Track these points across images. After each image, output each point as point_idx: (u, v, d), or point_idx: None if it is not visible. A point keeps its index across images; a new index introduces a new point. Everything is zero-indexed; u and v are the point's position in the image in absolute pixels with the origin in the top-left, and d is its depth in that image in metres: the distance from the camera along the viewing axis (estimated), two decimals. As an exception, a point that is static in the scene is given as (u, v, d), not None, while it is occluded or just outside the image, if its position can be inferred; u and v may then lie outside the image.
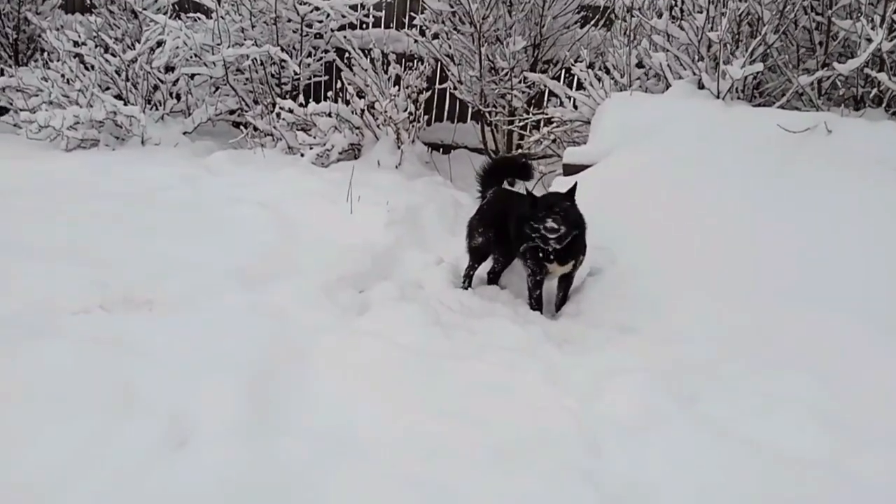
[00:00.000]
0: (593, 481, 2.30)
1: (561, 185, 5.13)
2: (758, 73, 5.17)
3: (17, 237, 3.90)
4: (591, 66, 6.10)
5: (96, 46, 7.46)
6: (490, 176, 4.85)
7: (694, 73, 5.49)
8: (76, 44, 7.54)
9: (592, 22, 7.16)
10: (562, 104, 6.59)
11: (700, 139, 4.89)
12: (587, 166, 5.19)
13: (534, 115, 6.59)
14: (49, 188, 4.82)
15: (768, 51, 5.22)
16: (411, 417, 2.61)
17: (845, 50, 5.05)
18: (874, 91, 4.87)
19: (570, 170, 5.29)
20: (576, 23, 7.28)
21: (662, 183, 4.68)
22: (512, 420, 2.63)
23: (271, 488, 2.18)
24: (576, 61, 6.40)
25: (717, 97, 5.26)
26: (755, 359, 3.15)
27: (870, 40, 4.52)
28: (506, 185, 5.02)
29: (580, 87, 7.03)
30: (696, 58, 5.50)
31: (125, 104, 7.08)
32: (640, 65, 5.95)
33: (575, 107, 6.29)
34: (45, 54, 8.15)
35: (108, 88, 7.44)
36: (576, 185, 4.08)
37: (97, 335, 2.85)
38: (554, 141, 6.33)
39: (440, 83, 8.18)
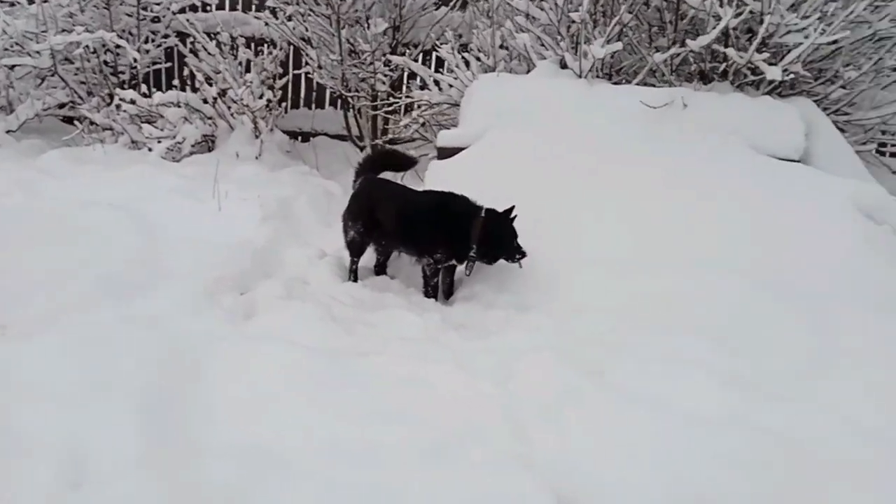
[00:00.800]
0: (526, 465, 2.27)
1: (437, 169, 5.08)
2: (615, 52, 5.38)
3: None
4: (457, 48, 6.06)
5: None
6: (368, 168, 4.67)
7: (556, 54, 5.62)
8: None
9: (451, 4, 7.13)
10: (424, 87, 6.53)
11: (568, 117, 5.02)
12: (461, 149, 5.17)
13: (401, 98, 6.48)
14: None
15: (623, 30, 5.45)
16: (331, 421, 2.45)
17: (692, 28, 5.37)
18: (723, 66, 5.22)
19: (445, 153, 5.25)
20: (434, 4, 7.23)
21: (537, 161, 4.75)
22: (434, 413, 2.54)
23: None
24: (439, 44, 6.35)
25: (580, 76, 5.41)
26: (653, 326, 3.26)
27: (717, 17, 4.83)
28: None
29: (440, 68, 7.03)
30: (558, 38, 5.63)
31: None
32: (503, 46, 6.01)
33: (440, 90, 6.25)
34: None
35: None
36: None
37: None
38: (423, 125, 6.27)
39: (296, 68, 7.86)
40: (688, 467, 2.28)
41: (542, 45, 5.77)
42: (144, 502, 2.01)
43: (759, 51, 4.95)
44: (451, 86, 6.05)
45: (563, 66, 5.58)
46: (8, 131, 6.63)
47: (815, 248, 3.78)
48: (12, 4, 6.87)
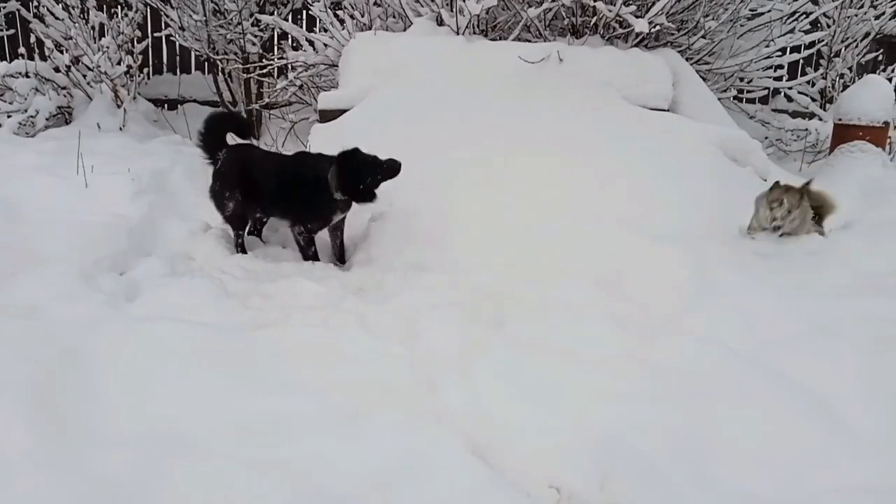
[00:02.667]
0: (440, 419, 2.31)
1: (320, 132, 4.96)
2: (490, 7, 5.41)
3: None
4: (329, 6, 5.88)
5: None
6: (211, 135, 4.37)
7: (432, 11, 5.58)
8: None
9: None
10: (298, 48, 6.32)
11: (449, 74, 5.03)
12: (344, 111, 5.07)
13: (275, 60, 6.23)
14: None
15: (497, -15, 5.48)
16: (237, 398, 2.37)
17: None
18: (593, 20, 5.37)
19: (327, 115, 5.13)
20: (302, -40, 6.96)
21: (421, 121, 4.74)
22: (344, 379, 2.52)
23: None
24: (311, 1, 6.14)
25: (458, 33, 5.41)
26: (543, 278, 3.38)
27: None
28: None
29: (312, 28, 6.82)
30: (433, -6, 5.59)
31: None
32: (377, 3, 5.89)
33: (315, 50, 6.07)
34: None
35: None
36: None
37: None
38: (300, 87, 6.07)
39: (155, 30, 7.36)
40: (592, 406, 2.39)
41: (418, 1, 5.71)
42: (41, 497, 1.88)
43: (626, 4, 5.13)
44: (326, 46, 5.89)
45: (440, 22, 5.57)
46: None
47: (687, 193, 4.03)
48: None
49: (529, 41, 5.52)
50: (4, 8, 6.94)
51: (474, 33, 5.66)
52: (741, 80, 6.78)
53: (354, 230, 4.28)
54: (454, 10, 5.34)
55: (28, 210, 3.94)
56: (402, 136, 4.53)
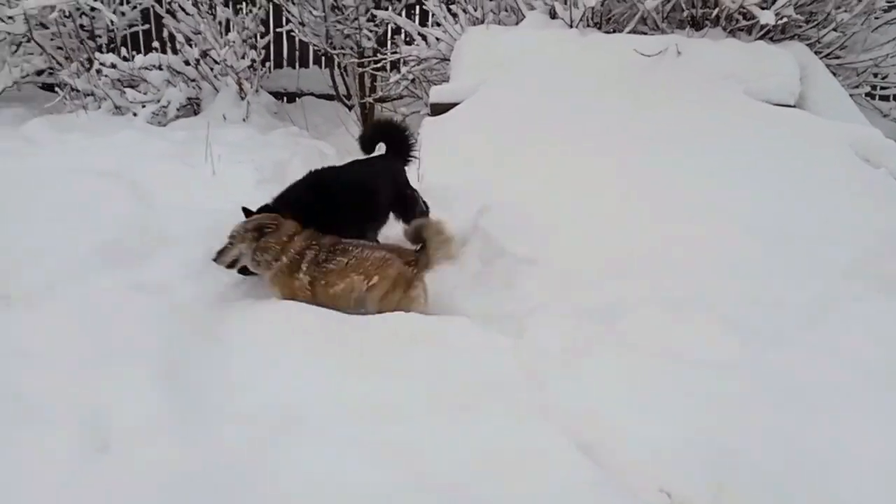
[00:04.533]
0: (546, 415, 2.30)
1: (431, 125, 5.04)
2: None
3: None
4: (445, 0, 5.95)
5: None
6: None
7: (546, 3, 5.53)
8: None
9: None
10: (411, 42, 6.42)
11: (561, 67, 4.97)
12: (455, 104, 5.12)
13: (388, 55, 6.37)
14: None
15: (614, -23, 5.37)
16: (349, 380, 2.46)
17: (683, -27, 5.29)
18: (714, 11, 5.16)
19: (438, 109, 5.19)
20: (418, -44, 7.06)
21: (532, 113, 4.71)
22: (452, 368, 2.55)
23: (219, 476, 1.97)
24: (426, -4, 6.23)
25: (571, 26, 5.34)
26: (654, 278, 3.28)
27: (710, -38, 4.76)
28: None
29: (425, 22, 6.91)
30: (548, -13, 5.54)
31: None
32: (490, -3, 5.90)
33: (428, 44, 6.15)
34: None
35: None
36: None
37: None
38: (412, 81, 6.17)
39: (277, 26, 7.68)
40: (705, 412, 2.32)
41: (532, -6, 5.67)
42: (171, 465, 2.02)
43: (751, -6, 4.91)
44: (439, 40, 5.96)
45: (553, 15, 5.51)
46: (-14, 100, 6.47)
47: (814, 194, 3.80)
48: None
49: (645, 34, 5.37)
50: (140, 4, 7.44)
51: (588, 26, 5.56)
52: (875, 75, 6.34)
53: (463, 222, 4.31)
54: (568, 2, 5.27)
55: (159, 195, 4.20)
56: (511, 129, 4.53)
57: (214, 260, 3.19)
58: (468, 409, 2.29)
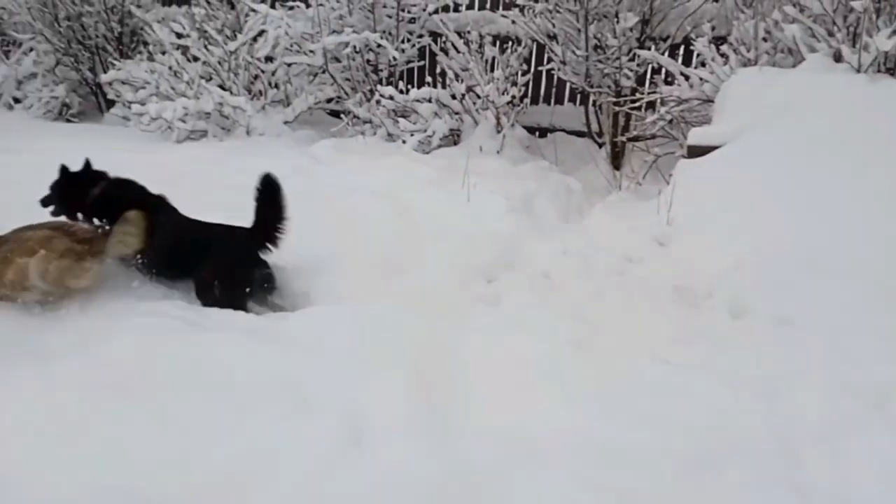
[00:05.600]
0: (801, 493, 2.11)
1: (687, 168, 4.89)
2: (904, 43, 4.75)
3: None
4: (715, 41, 5.76)
5: (199, 38, 7.56)
6: None
7: (830, 46, 5.11)
8: (178, 35, 7.67)
9: (707, -5, 6.78)
10: (669, 82, 6.28)
11: (843, 117, 4.53)
12: (714, 147, 4.91)
13: (647, 94, 6.30)
14: (173, 179, 4.87)
15: (917, 18, 4.81)
16: (580, 416, 2.47)
17: None
18: None
19: (695, 151, 5.01)
20: (687, -4, 6.92)
21: (802, 164, 4.36)
22: (689, 422, 2.45)
23: (457, 489, 2.09)
24: (694, 36, 6.07)
25: (858, 71, 4.86)
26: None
27: None
28: None
29: (688, 63, 6.72)
30: (834, 29, 5.11)
31: (229, 95, 7.15)
32: (765, 38, 5.58)
33: (690, 85, 5.98)
34: (148, 47, 8.31)
35: (210, 79, 7.54)
36: None
37: (252, 328, 2.84)
38: (671, 121, 6.04)
39: (538, 64, 7.97)
40: None
41: (814, 36, 5.27)
42: (413, 468, 2.18)
43: None
44: (703, 80, 5.76)
45: (838, 59, 5.06)
46: (285, 122, 7.50)
47: None
48: (291, 8, 7.74)
49: (953, 81, 4.72)
50: (419, 42, 8.15)
51: (879, 71, 5.02)
52: None
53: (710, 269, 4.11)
54: (857, 45, 4.80)
55: (419, 216, 4.58)
56: (774, 180, 4.24)
57: None
58: (708, 466, 2.19)
